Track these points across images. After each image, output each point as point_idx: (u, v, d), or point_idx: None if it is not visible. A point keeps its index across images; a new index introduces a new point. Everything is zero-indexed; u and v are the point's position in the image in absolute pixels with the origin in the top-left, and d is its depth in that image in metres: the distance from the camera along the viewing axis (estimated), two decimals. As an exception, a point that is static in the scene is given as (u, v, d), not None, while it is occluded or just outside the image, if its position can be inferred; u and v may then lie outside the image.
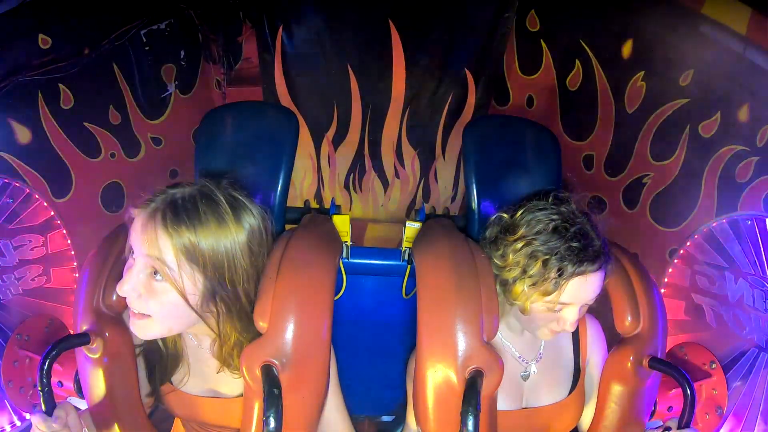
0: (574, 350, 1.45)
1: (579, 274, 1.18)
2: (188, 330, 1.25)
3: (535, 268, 1.20)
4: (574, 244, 1.19)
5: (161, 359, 1.32)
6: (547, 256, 1.20)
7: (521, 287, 1.24)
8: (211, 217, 1.09)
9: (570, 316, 1.24)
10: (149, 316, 1.10)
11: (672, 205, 2.01)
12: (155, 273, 1.08)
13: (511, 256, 1.26)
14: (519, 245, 1.24)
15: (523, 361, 1.40)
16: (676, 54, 1.94)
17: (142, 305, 1.09)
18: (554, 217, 1.24)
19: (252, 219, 1.17)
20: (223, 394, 1.33)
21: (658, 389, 1.46)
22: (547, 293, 1.20)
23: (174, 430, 1.60)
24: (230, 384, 1.33)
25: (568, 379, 1.42)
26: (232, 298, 1.16)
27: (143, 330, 1.13)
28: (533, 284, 1.21)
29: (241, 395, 1.28)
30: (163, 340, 1.30)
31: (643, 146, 2.10)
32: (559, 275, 1.18)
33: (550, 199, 1.31)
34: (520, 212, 1.30)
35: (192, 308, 1.12)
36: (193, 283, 1.10)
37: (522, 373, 1.39)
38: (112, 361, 1.27)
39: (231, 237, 1.11)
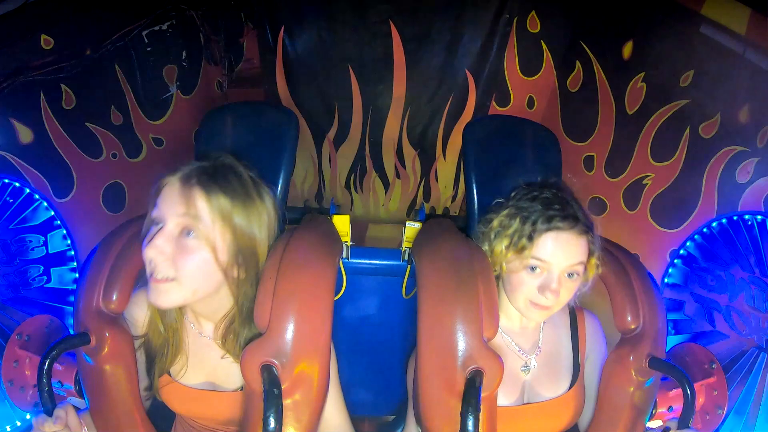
0: (572, 345, 1.45)
1: (551, 229, 1.26)
2: (196, 309, 1.27)
3: (513, 227, 1.30)
4: (552, 207, 1.29)
5: (161, 350, 1.32)
6: (525, 214, 1.30)
7: (500, 247, 1.32)
8: (238, 186, 1.17)
9: (548, 280, 1.27)
10: (174, 279, 1.11)
11: (672, 206, 2.01)
12: (187, 233, 1.11)
13: (495, 221, 1.36)
14: (504, 211, 1.36)
15: (522, 354, 1.41)
16: (676, 55, 1.95)
17: (168, 267, 1.10)
18: (544, 193, 1.35)
19: (269, 198, 1.25)
20: (222, 388, 1.33)
21: (658, 389, 1.46)
22: (522, 248, 1.27)
23: (174, 430, 1.60)
24: (230, 377, 1.32)
25: (568, 374, 1.42)
26: (252, 264, 1.21)
27: (167, 295, 1.12)
28: (510, 242, 1.30)
29: (241, 389, 1.28)
30: (165, 328, 1.30)
31: (644, 147, 2.10)
32: (533, 229, 1.27)
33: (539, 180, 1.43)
34: (513, 193, 1.41)
35: (219, 266, 1.14)
36: (223, 240, 1.14)
37: (522, 368, 1.39)
38: (112, 361, 1.27)
39: (256, 207, 1.19)
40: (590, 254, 1.31)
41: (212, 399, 1.32)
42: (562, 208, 1.29)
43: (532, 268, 1.28)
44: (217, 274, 1.16)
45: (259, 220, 1.20)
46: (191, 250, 1.11)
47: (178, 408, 1.37)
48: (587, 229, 1.29)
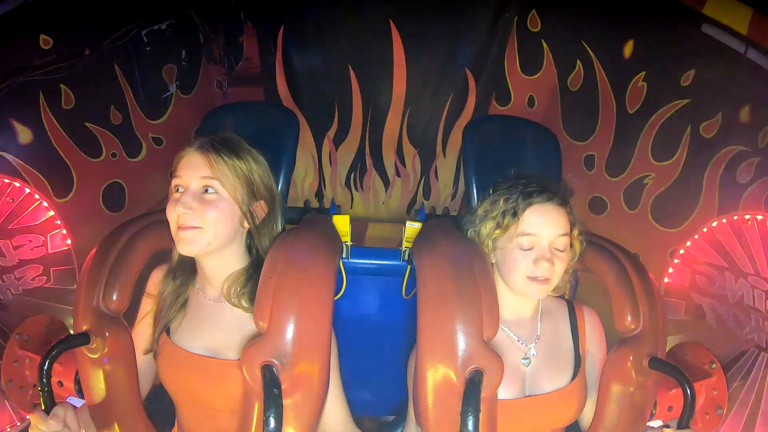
0: (573, 338, 1.45)
1: (532, 203, 1.36)
2: (207, 267, 1.35)
3: (497, 210, 1.39)
4: (530, 186, 1.40)
5: (168, 308, 1.36)
6: (506, 196, 1.40)
7: (486, 229, 1.41)
8: (242, 149, 1.36)
9: (540, 251, 1.33)
10: (200, 227, 1.26)
11: (673, 206, 2.01)
12: (208, 190, 1.29)
13: (479, 210, 1.45)
14: (486, 200, 1.45)
15: (522, 343, 1.41)
16: (677, 54, 1.94)
17: (195, 218, 1.26)
18: (521, 179, 1.44)
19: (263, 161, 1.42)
20: (221, 355, 1.31)
21: (658, 389, 1.46)
22: (508, 226, 1.36)
23: (174, 430, 1.60)
24: (230, 345, 1.32)
25: (569, 366, 1.42)
26: (265, 211, 1.38)
27: (194, 242, 1.26)
28: (496, 224, 1.39)
29: (238, 359, 1.27)
30: (175, 285, 1.37)
31: (644, 146, 2.10)
32: (515, 205, 1.37)
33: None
34: (491, 188, 1.49)
35: (236, 214, 1.31)
36: (237, 192, 1.31)
37: (523, 360, 1.40)
38: (112, 361, 1.27)
39: (260, 163, 1.38)
40: (572, 226, 1.39)
41: (208, 366, 1.30)
42: (539, 185, 1.40)
43: (524, 247, 1.34)
44: (234, 221, 1.32)
45: (264, 173, 1.38)
46: (213, 201, 1.28)
47: (174, 378, 1.35)
48: (564, 201, 1.40)
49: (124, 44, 2.09)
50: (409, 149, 3.03)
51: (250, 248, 1.41)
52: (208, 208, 1.27)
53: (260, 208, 1.37)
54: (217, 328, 1.34)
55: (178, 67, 2.43)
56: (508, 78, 2.75)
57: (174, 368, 1.34)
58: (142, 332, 1.40)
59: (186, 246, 1.27)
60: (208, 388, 1.32)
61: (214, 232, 1.28)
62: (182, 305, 1.38)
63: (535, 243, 1.34)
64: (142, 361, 1.38)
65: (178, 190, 1.30)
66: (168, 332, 1.36)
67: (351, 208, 3.16)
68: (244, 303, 1.33)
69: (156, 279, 1.43)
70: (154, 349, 1.36)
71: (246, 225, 1.35)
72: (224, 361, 1.30)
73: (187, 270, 1.40)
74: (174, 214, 1.26)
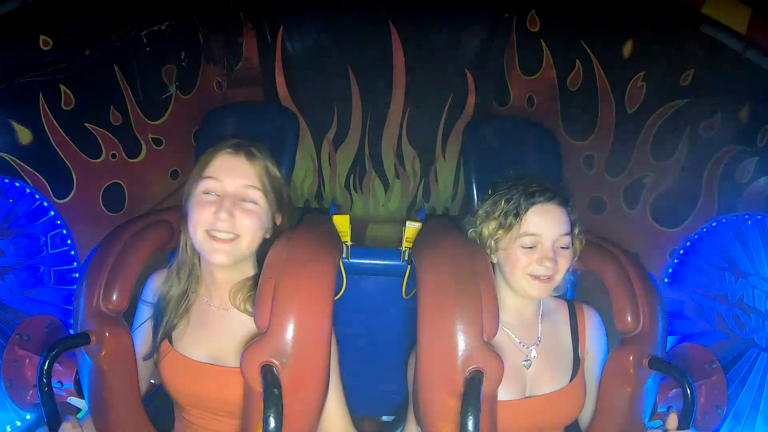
0: (573, 340, 1.45)
1: (533, 204, 1.38)
2: (219, 277, 1.34)
3: (499, 210, 1.41)
4: (530, 186, 1.42)
5: (170, 313, 1.34)
6: (508, 196, 1.41)
7: (488, 230, 1.42)
8: (278, 165, 1.39)
9: (544, 251, 1.34)
10: (237, 236, 1.27)
11: (672, 206, 2.01)
12: (248, 199, 1.29)
13: (480, 210, 1.47)
14: (487, 200, 1.47)
15: (523, 345, 1.41)
16: (676, 54, 1.95)
17: (233, 225, 1.25)
18: (522, 180, 1.46)
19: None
20: (223, 362, 1.32)
21: (658, 389, 1.46)
22: (511, 226, 1.37)
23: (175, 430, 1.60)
24: (232, 353, 1.32)
25: (568, 367, 1.43)
26: (290, 212, 1.42)
27: (230, 251, 1.26)
28: (498, 224, 1.40)
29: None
30: (179, 297, 1.36)
31: (644, 146, 2.10)
32: (517, 206, 1.38)
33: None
34: (491, 190, 1.51)
35: (266, 222, 1.33)
36: (269, 199, 1.33)
37: (524, 361, 1.40)
38: (112, 361, 1.27)
39: (286, 182, 1.42)
40: (572, 225, 1.41)
41: (212, 373, 1.30)
42: (540, 186, 1.42)
43: (526, 246, 1.36)
44: (263, 231, 1.33)
45: (285, 185, 1.41)
46: (252, 210, 1.29)
47: (177, 384, 1.34)
48: (565, 200, 1.43)
49: (124, 45, 2.09)
50: (408, 151, 3.03)
51: (258, 257, 1.40)
52: (247, 216, 1.27)
53: (277, 218, 1.38)
54: (222, 336, 1.34)
55: (178, 68, 2.43)
56: (507, 78, 2.75)
57: (177, 375, 1.34)
58: (140, 339, 1.39)
59: (221, 256, 1.26)
60: (212, 395, 1.32)
61: (248, 242, 1.29)
62: (185, 311, 1.37)
63: (537, 242, 1.36)
64: (141, 365, 1.37)
65: (211, 193, 1.28)
66: (170, 340, 1.35)
67: (351, 210, 3.16)
68: (249, 308, 1.33)
69: (153, 285, 1.42)
70: (155, 358, 1.36)
71: (267, 235, 1.35)
72: (229, 369, 1.30)
73: (191, 275, 1.39)
74: (209, 218, 1.25)
